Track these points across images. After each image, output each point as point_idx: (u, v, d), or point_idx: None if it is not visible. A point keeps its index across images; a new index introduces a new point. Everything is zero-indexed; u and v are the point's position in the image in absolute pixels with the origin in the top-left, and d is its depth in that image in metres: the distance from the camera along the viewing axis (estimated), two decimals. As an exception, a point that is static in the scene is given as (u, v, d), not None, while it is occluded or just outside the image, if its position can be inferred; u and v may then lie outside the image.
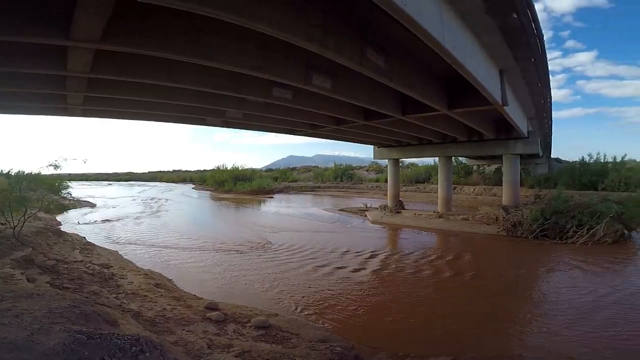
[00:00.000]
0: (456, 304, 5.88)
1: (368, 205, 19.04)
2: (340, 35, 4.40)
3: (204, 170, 56.73)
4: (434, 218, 14.55)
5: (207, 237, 11.64)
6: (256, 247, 10.12)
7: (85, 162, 8.74)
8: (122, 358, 2.12)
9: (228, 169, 37.83)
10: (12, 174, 9.09)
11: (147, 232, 12.66)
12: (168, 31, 4.18)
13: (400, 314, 5.43)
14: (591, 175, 20.58)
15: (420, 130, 12.14)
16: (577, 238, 9.80)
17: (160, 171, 74.91)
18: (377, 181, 33.50)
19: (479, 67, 6.07)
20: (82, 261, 7.21)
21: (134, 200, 26.76)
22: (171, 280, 6.93)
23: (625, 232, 9.96)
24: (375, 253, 9.23)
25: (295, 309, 5.61)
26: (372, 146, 18.51)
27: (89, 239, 10.19)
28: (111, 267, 7.17)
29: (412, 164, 36.12)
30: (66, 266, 6.40)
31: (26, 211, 7.50)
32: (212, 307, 5.18)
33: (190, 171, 67.44)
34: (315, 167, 54.35)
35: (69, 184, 10.11)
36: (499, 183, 18.32)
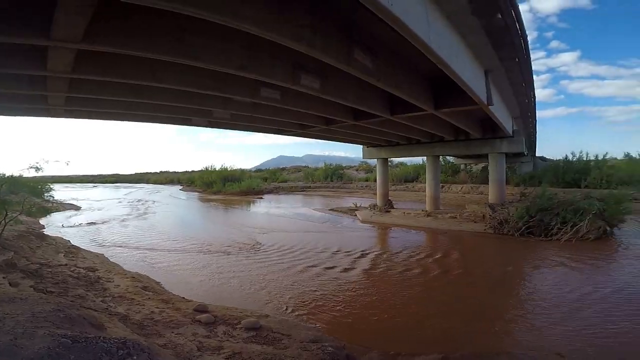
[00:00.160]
0: (445, 302, 5.95)
1: (358, 205, 19.12)
2: (327, 35, 4.41)
3: (192, 171, 56.10)
4: (423, 217, 14.70)
5: (195, 239, 11.51)
6: (245, 248, 10.05)
7: (67, 164, 8.51)
8: (109, 362, 2.09)
9: (217, 169, 37.49)
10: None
11: (133, 234, 12.45)
12: (152, 31, 4.14)
13: (391, 313, 5.47)
14: (574, 173, 21.10)
15: (408, 130, 12.26)
16: (562, 235, 10.03)
17: (147, 172, 73.61)
18: (367, 180, 33.68)
19: (465, 68, 6.16)
20: (66, 265, 7.05)
21: (120, 202, 26.29)
22: (159, 282, 6.83)
23: (607, 228, 10.22)
24: (366, 252, 9.27)
25: (286, 310, 5.59)
26: (362, 146, 18.61)
27: (74, 242, 9.96)
28: (97, 270, 7.02)
29: (401, 163, 36.43)
30: (50, 270, 6.25)
31: (7, 214, 7.28)
32: (201, 309, 5.13)
33: (177, 172, 66.58)
34: (305, 167, 54.27)
35: (51, 186, 9.86)
36: (485, 181, 18.61)
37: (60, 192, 24.58)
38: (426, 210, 15.38)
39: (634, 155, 25.99)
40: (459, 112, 9.52)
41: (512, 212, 11.47)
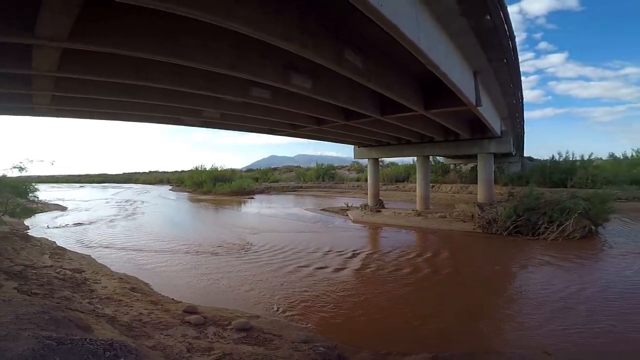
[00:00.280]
0: (435, 301, 6.00)
1: (349, 205, 19.17)
2: (318, 35, 4.41)
3: (182, 171, 55.47)
4: (413, 216, 14.81)
5: (184, 239, 11.39)
6: (236, 248, 9.99)
7: (52, 163, 8.38)
8: (96, 364, 2.05)
9: (207, 169, 37.17)
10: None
11: (121, 235, 12.26)
12: (142, 31, 4.09)
13: (381, 313, 5.49)
14: (561, 173, 21.54)
15: (398, 130, 12.34)
16: (548, 234, 10.22)
17: (136, 172, 72.47)
18: (359, 180, 33.79)
19: (454, 69, 6.22)
20: (52, 266, 6.91)
21: (107, 202, 25.86)
22: (148, 284, 6.74)
23: (593, 227, 10.42)
24: (357, 252, 9.30)
25: (277, 311, 5.56)
26: (353, 146, 18.66)
27: (60, 243, 9.76)
28: (84, 271, 6.90)
29: (392, 163, 36.66)
30: (35, 271, 6.11)
31: (-11, 215, 7.11)
32: (191, 310, 5.08)
33: (167, 172, 65.74)
34: (297, 167, 54.19)
35: (36, 186, 9.65)
36: (474, 181, 18.86)
37: (45, 193, 24.06)
38: (416, 210, 15.50)
39: (618, 156, 26.68)
40: (449, 113, 9.62)
41: (500, 211, 11.64)
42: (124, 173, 72.84)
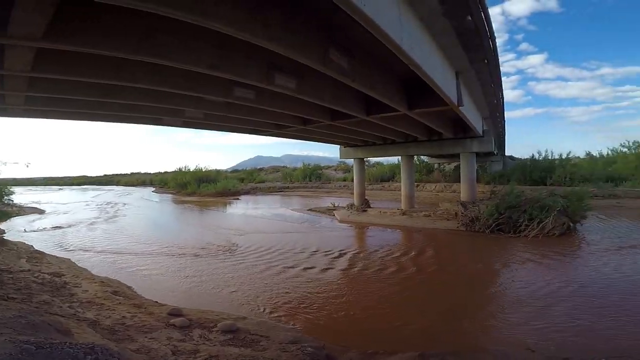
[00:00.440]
0: (420, 300, 6.08)
1: (336, 205, 19.23)
2: (302, 35, 4.41)
3: (165, 172, 54.52)
4: (398, 215, 14.98)
5: (168, 241, 11.20)
6: (221, 250, 9.88)
7: (28, 165, 8.08)
8: (76, 368, 2.00)
9: (191, 170, 36.66)
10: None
11: (102, 238, 11.95)
12: (121, 30, 4.01)
13: (368, 312, 5.51)
14: (540, 171, 22.16)
15: (383, 130, 12.45)
16: (529, 231, 10.48)
17: (117, 174, 70.85)
18: (345, 180, 33.94)
19: (436, 69, 6.30)
20: (29, 270, 6.68)
21: (87, 205, 25.18)
22: (130, 287, 6.60)
23: (571, 224, 10.73)
24: (344, 252, 9.33)
25: (264, 312, 5.53)
26: (339, 146, 18.74)
27: (38, 247, 9.46)
28: (63, 275, 6.70)
29: (378, 163, 36.99)
30: (11, 276, 5.90)
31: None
32: (175, 313, 5.00)
33: (150, 173, 64.44)
34: (283, 167, 54.01)
35: (12, 189, 9.30)
36: (458, 180, 19.22)
37: (22, 196, 23.27)
38: (402, 209, 15.67)
39: (594, 154, 27.66)
40: (431, 113, 9.76)
41: (482, 209, 11.88)
42: (104, 175, 71.27)
